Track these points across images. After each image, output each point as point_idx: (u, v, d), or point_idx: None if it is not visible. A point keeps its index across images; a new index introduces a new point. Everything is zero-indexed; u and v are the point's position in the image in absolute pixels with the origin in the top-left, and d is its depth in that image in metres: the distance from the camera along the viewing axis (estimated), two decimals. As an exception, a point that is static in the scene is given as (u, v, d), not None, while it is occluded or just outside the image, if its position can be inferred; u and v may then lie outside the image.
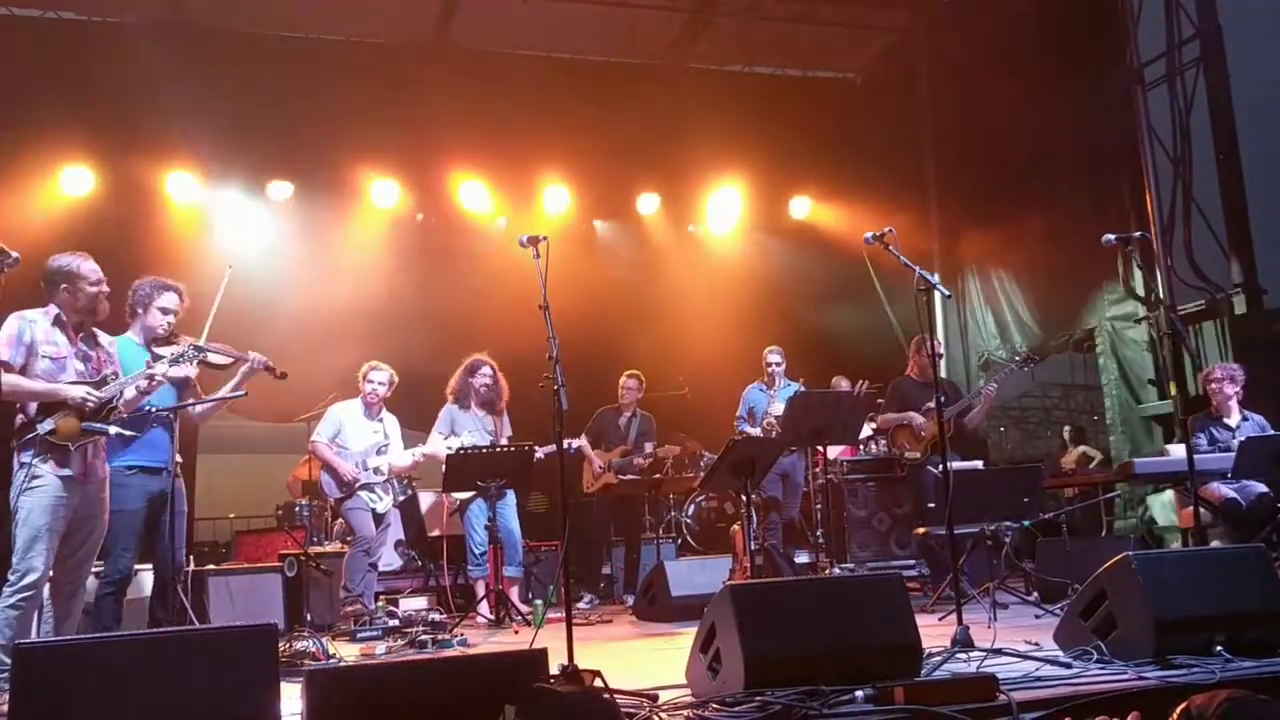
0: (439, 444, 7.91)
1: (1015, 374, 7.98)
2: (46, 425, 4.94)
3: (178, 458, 5.76)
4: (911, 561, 8.60)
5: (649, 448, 9.08)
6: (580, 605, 8.37)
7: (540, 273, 4.84)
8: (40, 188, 9.68)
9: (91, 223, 9.60)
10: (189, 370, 5.69)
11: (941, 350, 7.94)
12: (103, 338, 5.37)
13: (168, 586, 5.74)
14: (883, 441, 9.31)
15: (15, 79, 9.40)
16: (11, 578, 4.79)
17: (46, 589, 5.08)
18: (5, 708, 3.22)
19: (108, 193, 10.01)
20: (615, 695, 4.02)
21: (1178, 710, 2.28)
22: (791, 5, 11.47)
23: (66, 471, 4.97)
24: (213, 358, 5.75)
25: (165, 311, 5.74)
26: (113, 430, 5.14)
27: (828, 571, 8.21)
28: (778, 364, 8.70)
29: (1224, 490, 7.13)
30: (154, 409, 5.60)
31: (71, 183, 9.84)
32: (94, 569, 5.50)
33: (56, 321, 5.10)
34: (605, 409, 9.23)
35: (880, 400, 9.06)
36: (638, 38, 11.73)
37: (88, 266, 5.15)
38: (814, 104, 12.31)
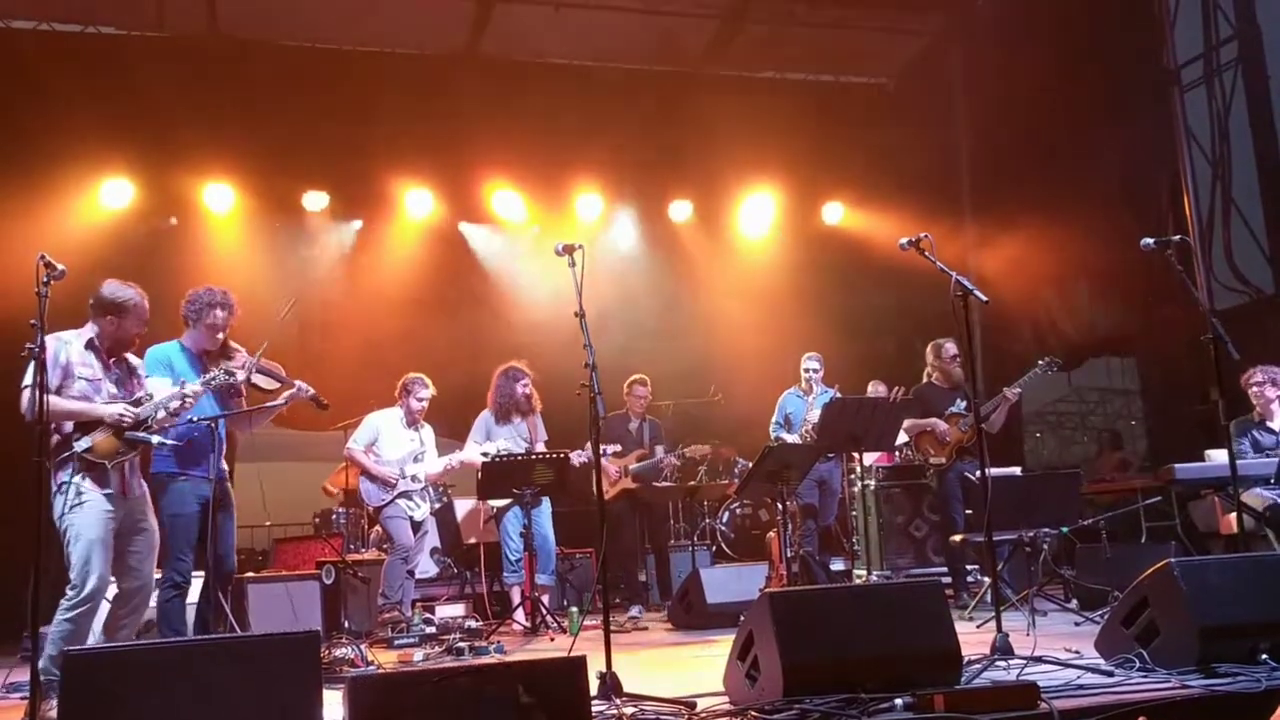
0: (475, 452, 7.93)
1: (1040, 379, 7.92)
2: (84, 443, 5.01)
3: (224, 465, 5.84)
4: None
5: (661, 450, 9.00)
6: (631, 613, 8.34)
7: (575, 280, 4.85)
8: (81, 200, 9.80)
9: (132, 234, 9.73)
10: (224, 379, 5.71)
11: (955, 352, 7.88)
12: (133, 360, 5.44)
13: (216, 589, 5.81)
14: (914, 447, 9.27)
15: (55, 93, 9.52)
16: (70, 592, 4.86)
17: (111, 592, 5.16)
18: (54, 713, 3.27)
19: (147, 205, 10.13)
20: (653, 703, 4.03)
21: None
22: (824, 11, 11.44)
23: (107, 490, 5.04)
24: (259, 380, 5.84)
25: (213, 328, 5.81)
26: (156, 440, 5.21)
27: (864, 579, 8.17)
28: (815, 370, 8.64)
29: (1267, 495, 7.04)
30: (196, 419, 5.67)
31: (111, 195, 9.95)
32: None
33: (90, 345, 5.17)
34: (613, 415, 8.99)
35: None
36: (670, 45, 11.74)
37: (141, 307, 5.20)
38: (847, 110, 12.27)
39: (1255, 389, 7.52)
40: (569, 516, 8.85)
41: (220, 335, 5.81)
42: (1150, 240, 5.78)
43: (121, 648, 4.02)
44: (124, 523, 5.09)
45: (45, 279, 4.37)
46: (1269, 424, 7.49)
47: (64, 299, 4.96)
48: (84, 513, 4.93)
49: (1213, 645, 4.00)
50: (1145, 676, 3.99)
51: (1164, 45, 10.31)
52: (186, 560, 5.65)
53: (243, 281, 9.97)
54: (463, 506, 9.50)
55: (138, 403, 5.19)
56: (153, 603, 5.81)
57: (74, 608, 4.83)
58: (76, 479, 4.96)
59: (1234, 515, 6.98)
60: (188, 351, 5.81)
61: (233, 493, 5.93)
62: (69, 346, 5.07)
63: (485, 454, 7.72)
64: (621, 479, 8.83)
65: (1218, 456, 7.53)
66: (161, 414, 5.26)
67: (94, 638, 5.25)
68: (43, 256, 4.38)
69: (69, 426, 5.03)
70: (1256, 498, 7.06)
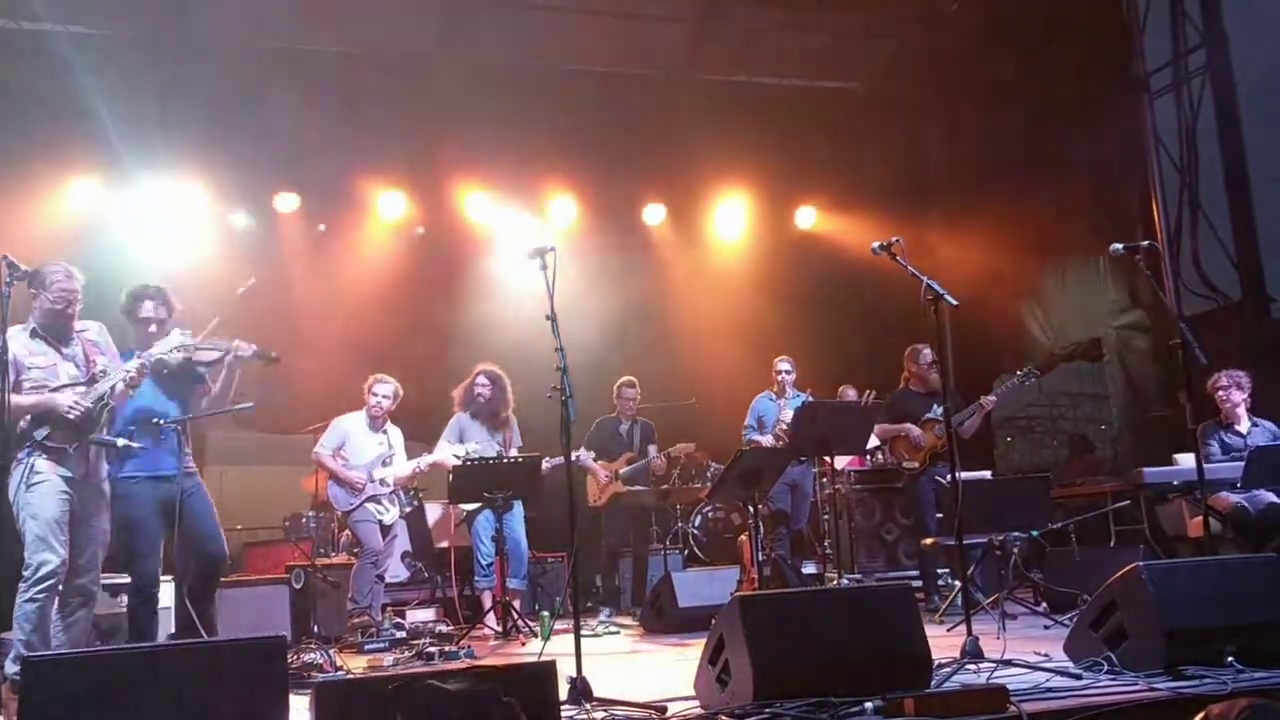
0: (446, 452, 7.88)
1: (1018, 388, 7.97)
2: (42, 431, 4.98)
3: (191, 464, 5.76)
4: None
5: (653, 451, 8.99)
6: (600, 618, 8.31)
7: (548, 284, 4.84)
8: (50, 201, 9.69)
9: (100, 236, 9.62)
10: (176, 356, 5.60)
11: (933, 358, 7.91)
12: (90, 331, 5.35)
13: (208, 582, 5.74)
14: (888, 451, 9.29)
15: (24, 92, 9.42)
16: (26, 573, 4.80)
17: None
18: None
19: (117, 206, 10.01)
20: (623, 708, 4.02)
21: (1197, 718, 2.28)
22: (795, 15, 11.46)
23: (65, 472, 4.99)
24: (203, 354, 5.73)
25: (146, 322, 5.67)
26: (120, 443, 5.15)
27: (835, 582, 8.19)
28: (788, 373, 8.66)
29: (1233, 499, 7.10)
30: (161, 420, 5.61)
31: (80, 196, 9.84)
32: (118, 581, 5.53)
33: (34, 334, 5.12)
34: (604, 418, 9.10)
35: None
36: (642, 49, 11.73)
37: (59, 285, 5.10)
38: (818, 114, 12.30)
39: (1221, 393, 7.59)
40: (544, 520, 8.83)
41: (154, 328, 5.65)
42: (1120, 246, 5.83)
43: (83, 653, 3.97)
44: (78, 508, 5.03)
45: (8, 279, 4.34)
46: (1235, 427, 7.55)
47: (28, 302, 4.92)
48: (39, 492, 4.90)
49: (1180, 648, 4.03)
50: (1113, 679, 4.02)
51: (1133, 52, 10.40)
52: (150, 564, 5.57)
53: (212, 284, 9.93)
54: (434, 510, 9.45)
55: (93, 379, 5.12)
56: (124, 607, 5.76)
57: (32, 586, 4.78)
58: (34, 459, 4.92)
59: (1201, 518, 7.06)
60: (131, 354, 5.64)
61: (202, 484, 5.83)
62: (13, 343, 5.02)
63: (457, 455, 7.67)
64: (611, 483, 8.82)
65: (1186, 460, 7.60)
66: (120, 386, 5.18)
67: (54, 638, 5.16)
68: (5, 257, 4.34)
69: (28, 418, 4.98)
70: (1223, 501, 7.11)
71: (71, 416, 4.98)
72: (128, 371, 5.23)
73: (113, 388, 5.15)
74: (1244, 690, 3.61)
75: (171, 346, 5.41)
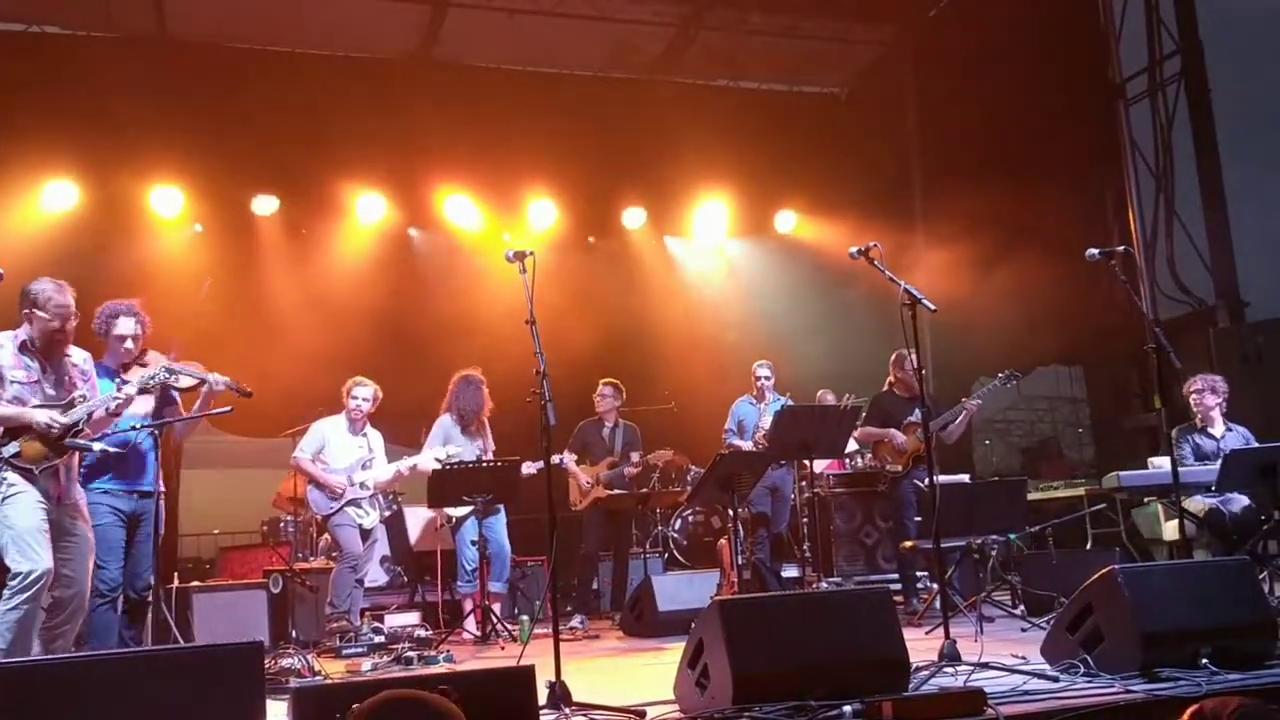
0: (429, 457, 7.85)
1: (1000, 391, 7.99)
2: (10, 449, 4.93)
3: (161, 486, 5.74)
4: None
5: (635, 457, 8.95)
6: (573, 624, 8.29)
7: (527, 288, 4.84)
8: (24, 202, 9.61)
9: (75, 238, 9.56)
10: (150, 399, 5.63)
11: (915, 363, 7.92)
12: (76, 355, 5.32)
13: (136, 607, 5.73)
14: (868, 455, 9.32)
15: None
16: (13, 582, 4.75)
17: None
18: None
19: (92, 207, 9.94)
20: (602, 712, 4.02)
21: (1189, 712, 2.30)
22: (777, 19, 11.51)
23: (38, 490, 4.95)
24: (183, 380, 5.74)
25: (122, 339, 5.69)
26: (97, 447, 5.12)
27: (815, 586, 8.21)
28: (767, 377, 8.65)
29: (1208, 502, 7.15)
30: (137, 426, 5.58)
31: (55, 197, 9.75)
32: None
33: (23, 348, 5.07)
34: (587, 421, 9.02)
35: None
36: (624, 52, 11.76)
37: (54, 302, 5.06)
38: (799, 118, 12.35)
39: (1195, 397, 7.63)
40: (525, 523, 8.81)
41: (130, 345, 5.68)
42: (1095, 251, 5.86)
43: (57, 660, 3.94)
44: (56, 527, 4.99)
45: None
46: (1209, 431, 7.59)
47: (3, 304, 4.88)
48: (16, 504, 4.85)
49: (1155, 650, 4.06)
50: (1089, 681, 4.04)
51: (1110, 59, 10.48)
52: (107, 568, 5.53)
53: (190, 285, 9.88)
54: (413, 514, 9.41)
55: (71, 404, 5.09)
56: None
57: (20, 592, 4.72)
58: (6, 474, 4.88)
59: (1177, 522, 7.11)
60: (105, 369, 5.64)
61: (162, 508, 5.78)
62: (2, 350, 4.98)
63: (437, 459, 7.65)
64: (594, 488, 8.78)
65: (1162, 464, 7.65)
66: (100, 414, 5.17)
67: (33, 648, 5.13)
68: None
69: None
70: (1197, 504, 7.16)
71: (51, 433, 4.94)
72: (115, 399, 5.21)
73: (90, 414, 5.11)
74: (1218, 693, 3.64)
75: (154, 377, 5.39)
